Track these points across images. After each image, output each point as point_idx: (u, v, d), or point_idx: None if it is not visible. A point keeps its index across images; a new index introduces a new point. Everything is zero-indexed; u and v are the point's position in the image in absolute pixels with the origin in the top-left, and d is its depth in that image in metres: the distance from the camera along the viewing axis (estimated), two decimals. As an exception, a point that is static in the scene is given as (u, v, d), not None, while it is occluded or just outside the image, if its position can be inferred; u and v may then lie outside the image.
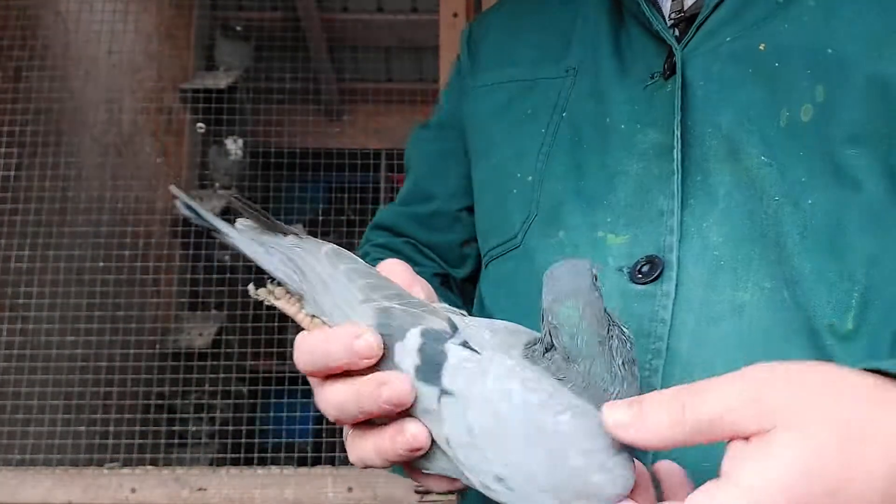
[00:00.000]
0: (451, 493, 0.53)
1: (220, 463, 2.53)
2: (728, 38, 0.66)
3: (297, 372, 0.53)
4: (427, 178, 0.88)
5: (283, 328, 2.51)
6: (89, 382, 2.18)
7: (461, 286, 0.85)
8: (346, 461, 1.84)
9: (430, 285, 0.60)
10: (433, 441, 0.49)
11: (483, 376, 0.48)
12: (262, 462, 1.96)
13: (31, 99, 2.22)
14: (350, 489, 1.67)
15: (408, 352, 0.49)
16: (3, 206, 2.10)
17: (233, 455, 2.32)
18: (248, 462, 2.09)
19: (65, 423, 2.06)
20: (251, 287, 0.54)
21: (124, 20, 2.55)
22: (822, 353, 0.57)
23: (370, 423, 0.52)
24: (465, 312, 0.55)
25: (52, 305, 2.13)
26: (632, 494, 0.46)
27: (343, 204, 4.00)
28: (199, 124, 3.10)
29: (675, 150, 0.63)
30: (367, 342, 0.49)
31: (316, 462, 1.92)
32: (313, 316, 0.53)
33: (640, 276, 0.62)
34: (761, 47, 0.64)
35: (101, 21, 2.46)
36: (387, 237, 0.87)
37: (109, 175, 2.57)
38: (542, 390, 0.47)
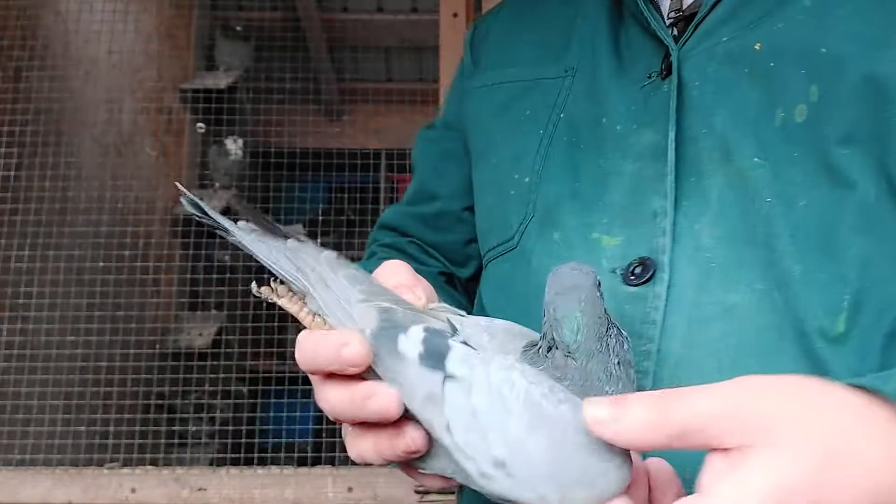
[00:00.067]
0: (446, 491, 0.53)
1: (220, 463, 2.53)
2: (725, 38, 0.65)
3: (297, 372, 0.53)
4: (431, 178, 0.88)
5: (283, 328, 2.51)
6: (89, 382, 2.18)
7: (466, 285, 0.86)
8: (346, 461, 1.84)
9: (431, 285, 0.61)
10: (431, 441, 0.50)
11: (486, 366, 0.48)
12: (262, 462, 1.96)
13: (31, 99, 2.22)
14: (350, 489, 1.67)
15: (411, 342, 0.50)
16: (3, 206, 2.10)
17: (233, 455, 2.32)
18: (248, 462, 2.09)
19: (65, 423, 2.06)
20: (254, 285, 0.54)
21: (124, 20, 2.55)
22: (811, 356, 0.56)
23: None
24: (463, 313, 0.55)
25: (52, 305, 2.13)
26: (628, 489, 0.46)
27: (343, 204, 4.00)
28: (199, 124, 3.10)
29: (668, 152, 0.63)
30: (354, 351, 0.49)
31: (316, 462, 1.92)
32: (315, 314, 0.53)
33: (632, 277, 0.62)
34: (757, 47, 0.63)
35: (101, 21, 2.46)
36: (392, 237, 0.87)
37: (109, 175, 2.57)
38: (542, 384, 0.47)
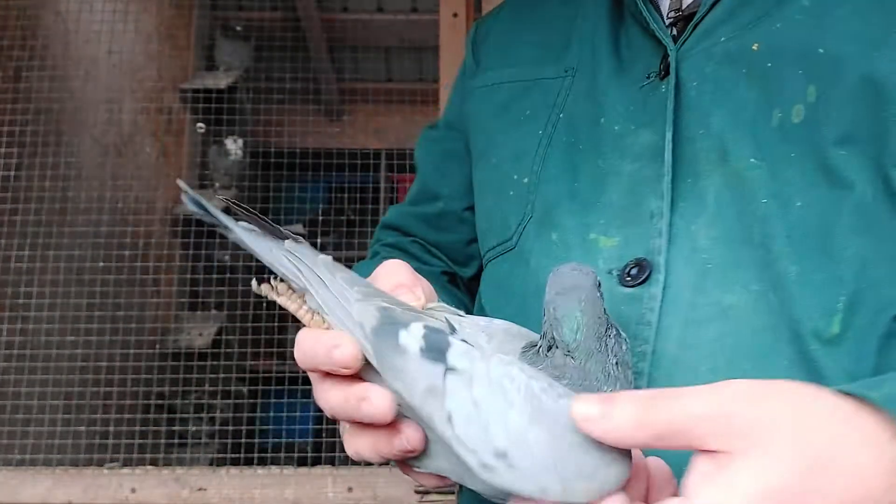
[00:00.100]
0: (446, 491, 0.53)
1: (220, 463, 2.53)
2: (723, 38, 0.65)
3: (297, 372, 0.54)
4: (433, 178, 0.88)
5: (283, 328, 2.51)
6: (89, 382, 2.18)
7: (468, 285, 0.86)
8: (346, 461, 1.84)
9: (431, 285, 0.60)
10: (427, 440, 0.51)
11: (486, 361, 0.49)
12: (262, 462, 1.96)
13: (31, 99, 2.22)
14: (350, 489, 1.67)
15: (412, 336, 0.50)
16: (3, 206, 2.09)
17: (233, 455, 2.32)
18: (248, 462, 2.09)
19: (65, 423, 2.06)
20: (254, 282, 0.54)
21: (124, 20, 2.55)
22: (806, 358, 0.56)
23: None
24: (462, 313, 0.55)
25: (52, 305, 2.13)
26: (627, 483, 0.46)
27: (343, 204, 4.00)
28: (199, 124, 3.10)
29: (665, 152, 0.63)
30: (346, 353, 0.50)
31: (316, 462, 1.92)
32: (315, 312, 0.54)
33: (628, 278, 0.62)
34: (754, 47, 0.63)
35: (101, 21, 2.46)
36: (396, 237, 0.88)
37: (109, 175, 2.57)
38: (541, 379, 0.47)
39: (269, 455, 2.16)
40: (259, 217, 0.53)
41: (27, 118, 2.18)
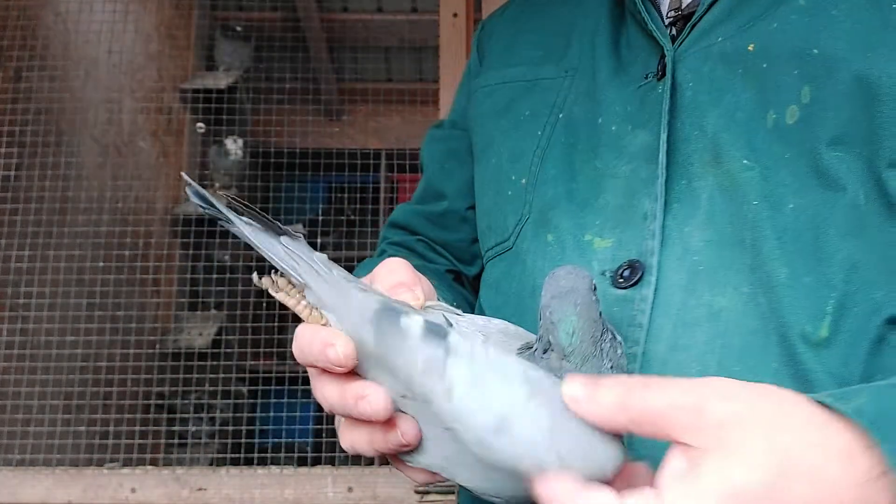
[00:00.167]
0: (445, 491, 0.53)
1: (220, 463, 2.54)
2: (720, 38, 0.65)
3: (297, 372, 0.54)
4: (438, 177, 0.88)
5: (283, 328, 2.51)
6: (89, 382, 2.18)
7: (473, 283, 0.86)
8: (346, 461, 1.84)
9: (431, 284, 0.61)
10: (421, 436, 0.52)
11: (485, 347, 0.49)
12: (262, 462, 1.96)
13: (31, 99, 2.22)
14: (350, 489, 1.67)
15: (413, 321, 0.50)
16: (3, 206, 2.10)
17: (233, 455, 2.32)
18: (248, 462, 2.09)
19: (65, 423, 2.06)
20: (255, 275, 0.55)
21: (124, 20, 2.56)
22: (794, 361, 0.56)
23: None
24: (460, 312, 0.56)
25: (52, 305, 2.13)
26: (616, 479, 0.46)
27: (343, 204, 4.00)
28: (199, 124, 3.10)
29: (659, 153, 0.63)
30: (339, 353, 0.50)
31: (316, 462, 1.92)
32: (313, 308, 0.54)
33: (621, 280, 0.62)
34: (750, 48, 0.63)
35: (101, 21, 2.46)
36: (402, 235, 0.88)
37: (109, 175, 2.57)
38: (538, 370, 0.48)
39: (268, 455, 2.16)
40: (259, 213, 0.53)
41: (27, 118, 2.18)
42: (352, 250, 3.61)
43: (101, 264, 2.29)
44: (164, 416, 2.64)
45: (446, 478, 0.53)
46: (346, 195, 3.97)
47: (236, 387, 2.92)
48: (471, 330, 0.54)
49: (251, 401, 3.11)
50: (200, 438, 2.79)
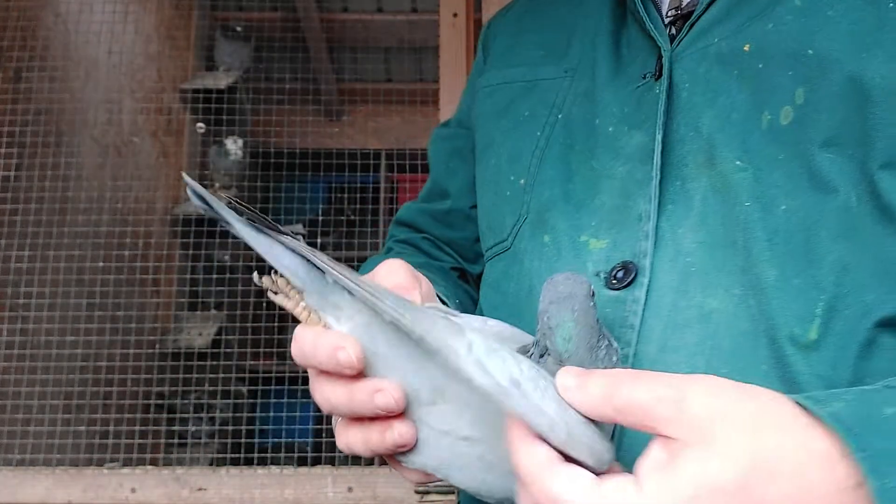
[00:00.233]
0: (445, 491, 0.54)
1: (220, 463, 2.54)
2: (717, 39, 0.64)
3: (297, 372, 0.55)
4: (443, 176, 0.89)
5: (283, 328, 2.51)
6: (89, 382, 2.18)
7: (477, 281, 0.86)
8: (346, 461, 1.84)
9: (431, 285, 0.61)
10: (416, 437, 0.53)
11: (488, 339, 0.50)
12: (262, 462, 1.96)
13: (31, 99, 2.22)
14: (350, 489, 1.67)
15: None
16: (3, 206, 2.10)
17: (233, 455, 2.32)
18: (248, 462, 2.09)
19: (65, 423, 2.06)
20: (255, 275, 0.55)
21: (124, 20, 2.56)
22: (782, 363, 0.55)
23: None
24: (458, 313, 0.56)
25: (52, 305, 2.13)
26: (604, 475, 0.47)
27: (343, 204, 4.00)
28: (199, 124, 3.10)
29: (654, 154, 0.63)
30: (350, 356, 0.51)
31: (316, 462, 1.92)
32: (312, 311, 0.54)
33: (614, 281, 0.62)
34: (746, 48, 0.62)
35: (101, 21, 2.46)
36: (407, 233, 0.88)
37: (109, 175, 2.57)
38: (536, 369, 0.49)
39: (268, 455, 2.16)
40: (259, 215, 0.53)
41: (27, 118, 2.18)
42: (352, 250, 3.62)
43: (101, 264, 2.30)
44: (164, 416, 2.64)
45: (441, 479, 0.54)
46: (346, 195, 3.97)
47: (236, 387, 2.92)
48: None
49: (251, 401, 3.11)
50: (200, 438, 2.79)
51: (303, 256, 0.54)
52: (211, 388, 2.70)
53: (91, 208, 2.38)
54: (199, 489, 1.69)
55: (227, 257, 2.96)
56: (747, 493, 0.41)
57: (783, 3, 0.62)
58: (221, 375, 2.47)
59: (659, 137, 0.63)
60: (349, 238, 3.90)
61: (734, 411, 0.43)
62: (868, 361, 0.54)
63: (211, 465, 2.55)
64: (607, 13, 0.75)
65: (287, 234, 0.54)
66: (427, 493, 1.62)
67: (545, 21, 0.82)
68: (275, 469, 1.72)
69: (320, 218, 3.93)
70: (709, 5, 0.66)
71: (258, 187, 3.18)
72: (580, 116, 0.71)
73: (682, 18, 0.69)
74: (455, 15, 2.00)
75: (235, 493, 1.69)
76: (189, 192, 0.53)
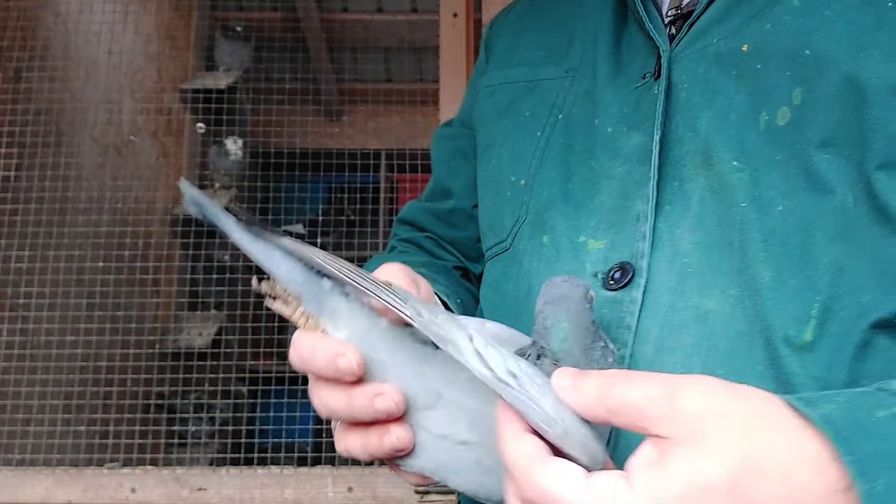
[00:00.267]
0: (445, 492, 0.54)
1: (220, 463, 2.54)
2: (716, 39, 0.64)
3: (297, 372, 0.55)
4: (445, 175, 0.89)
5: (283, 328, 2.51)
6: (89, 382, 2.18)
7: (480, 280, 0.86)
8: (346, 461, 1.84)
9: (430, 287, 0.61)
10: (414, 441, 0.53)
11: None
12: (262, 462, 1.96)
13: (31, 99, 2.22)
14: (350, 489, 1.68)
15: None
16: (3, 206, 2.10)
17: (233, 455, 2.32)
18: (248, 462, 2.09)
19: (65, 423, 2.06)
20: (254, 280, 0.55)
21: (124, 21, 2.56)
22: (777, 365, 0.55)
23: None
24: (456, 315, 0.56)
25: (52, 305, 2.13)
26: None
27: (343, 204, 4.00)
28: (199, 124, 3.11)
29: (652, 155, 0.63)
30: (350, 363, 0.52)
31: (316, 462, 1.92)
32: (310, 317, 0.54)
33: (612, 282, 0.62)
34: (744, 48, 0.62)
35: (101, 22, 2.46)
36: (410, 232, 0.89)
37: (109, 175, 2.57)
38: (534, 368, 0.49)
39: (268, 455, 2.16)
40: (256, 219, 0.54)
41: (27, 118, 2.18)
42: (352, 250, 3.62)
43: (101, 264, 2.30)
44: (164, 416, 2.64)
45: (438, 482, 0.55)
46: (346, 195, 3.98)
47: (236, 387, 2.92)
48: None
49: (251, 401, 3.11)
50: (200, 438, 2.79)
51: (301, 262, 0.54)
52: (211, 388, 2.70)
53: (91, 208, 2.38)
54: (199, 489, 1.69)
55: (227, 257, 2.96)
56: (737, 493, 0.41)
57: (781, 2, 0.62)
58: (221, 375, 2.47)
59: (657, 138, 0.63)
60: (349, 238, 3.90)
61: (726, 411, 0.43)
62: (863, 363, 0.54)
63: (211, 465, 2.55)
64: (608, 13, 0.75)
65: (287, 236, 0.54)
66: (427, 492, 1.62)
67: (546, 21, 0.82)
68: (275, 469, 1.72)
69: (320, 218, 3.93)
70: (708, 5, 0.65)
71: (258, 187, 3.18)
72: (580, 117, 0.71)
73: (682, 18, 0.68)
74: (455, 15, 2.00)
75: (235, 493, 1.69)
76: (185, 202, 0.53)
